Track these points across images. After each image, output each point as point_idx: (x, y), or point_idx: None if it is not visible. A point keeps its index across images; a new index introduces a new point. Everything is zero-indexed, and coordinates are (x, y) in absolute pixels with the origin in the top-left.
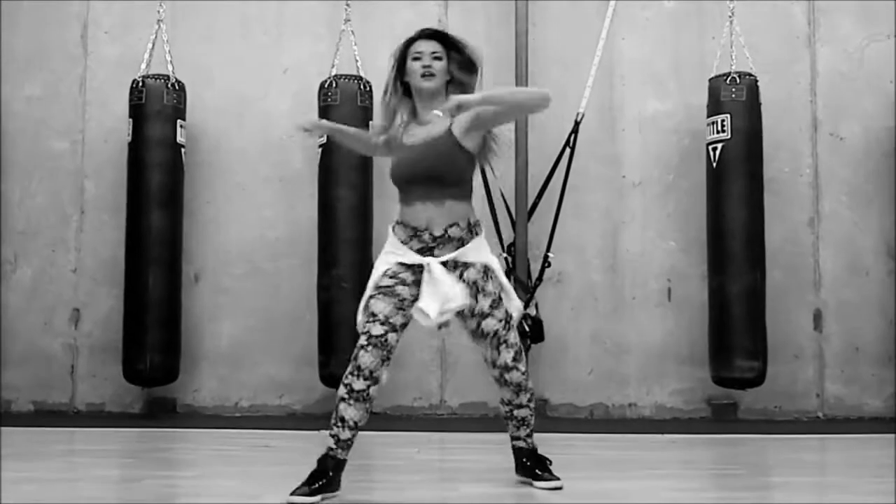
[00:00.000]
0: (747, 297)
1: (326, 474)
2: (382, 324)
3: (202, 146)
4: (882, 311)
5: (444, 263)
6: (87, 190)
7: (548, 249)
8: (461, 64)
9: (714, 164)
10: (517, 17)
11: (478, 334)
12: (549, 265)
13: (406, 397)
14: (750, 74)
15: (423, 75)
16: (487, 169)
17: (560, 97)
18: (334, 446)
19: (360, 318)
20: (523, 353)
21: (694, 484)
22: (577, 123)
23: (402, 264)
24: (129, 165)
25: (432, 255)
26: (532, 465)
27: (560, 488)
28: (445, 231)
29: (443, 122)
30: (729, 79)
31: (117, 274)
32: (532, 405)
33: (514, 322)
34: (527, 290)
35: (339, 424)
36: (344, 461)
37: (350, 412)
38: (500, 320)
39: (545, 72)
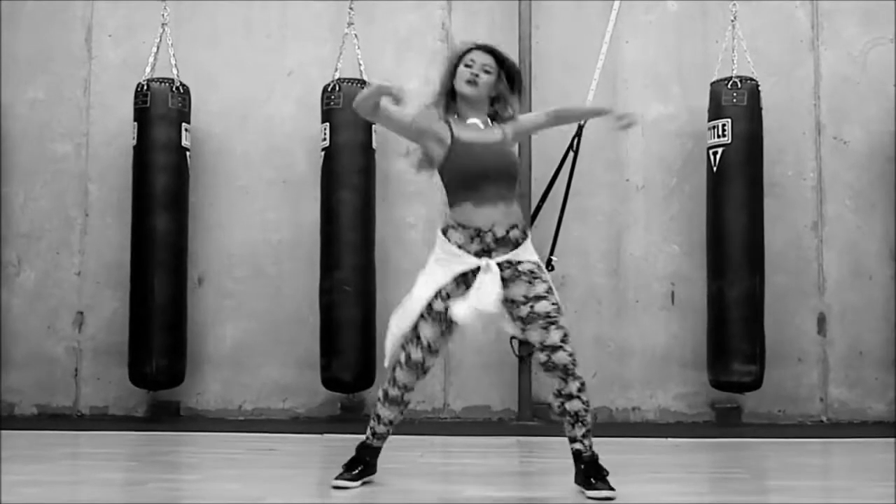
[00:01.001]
0: (746, 302)
1: (364, 461)
2: (425, 350)
3: (206, 149)
4: (885, 314)
5: (499, 264)
6: (91, 193)
7: (551, 253)
8: (509, 83)
9: (714, 169)
10: (520, 20)
11: (529, 318)
12: (553, 269)
13: None
14: (751, 79)
15: (468, 81)
16: None
17: (563, 100)
18: (371, 436)
19: (395, 323)
20: (572, 341)
21: (697, 488)
22: (580, 127)
23: (456, 280)
24: (133, 169)
25: (489, 256)
26: (587, 473)
27: (612, 499)
28: (507, 232)
29: (494, 129)
30: (730, 83)
31: (121, 277)
32: (584, 398)
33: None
34: None
35: (376, 420)
36: (379, 448)
37: (385, 412)
38: (554, 304)
39: (548, 75)
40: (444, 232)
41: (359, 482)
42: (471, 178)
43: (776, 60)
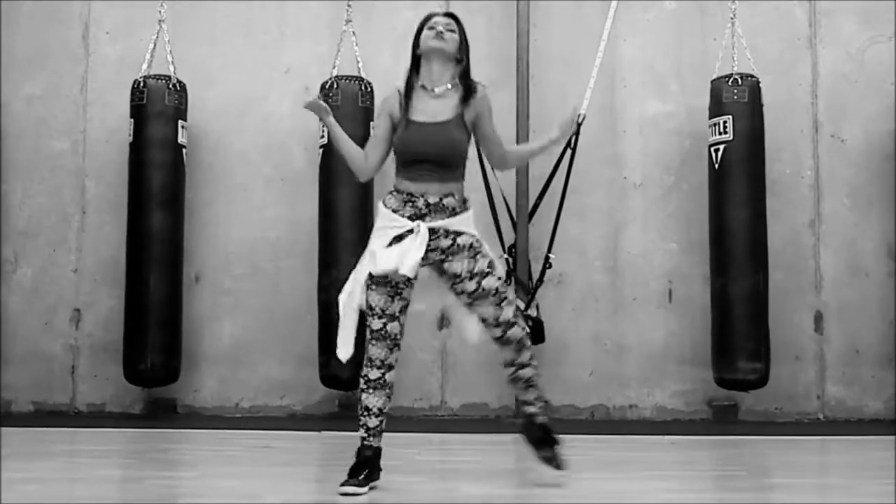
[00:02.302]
0: (750, 299)
1: (368, 464)
2: (380, 317)
3: (203, 147)
4: (882, 312)
5: (436, 231)
6: (88, 190)
7: (549, 250)
8: (467, 48)
9: (716, 166)
10: (519, 18)
11: (478, 294)
12: (550, 266)
13: (407, 398)
14: (752, 76)
15: (434, 37)
16: (488, 169)
17: (561, 98)
18: (366, 435)
19: (344, 294)
20: (521, 312)
21: (694, 485)
22: (578, 125)
23: (391, 243)
24: (130, 166)
25: (423, 220)
26: (539, 437)
27: (559, 457)
28: (440, 199)
29: (452, 100)
30: (731, 80)
31: (118, 274)
32: (535, 364)
33: (468, 325)
34: (528, 291)
35: (365, 413)
36: (380, 448)
37: (371, 400)
38: (499, 278)
39: (546, 73)
40: (384, 200)
41: (366, 487)
42: (408, 157)
43: (774, 58)
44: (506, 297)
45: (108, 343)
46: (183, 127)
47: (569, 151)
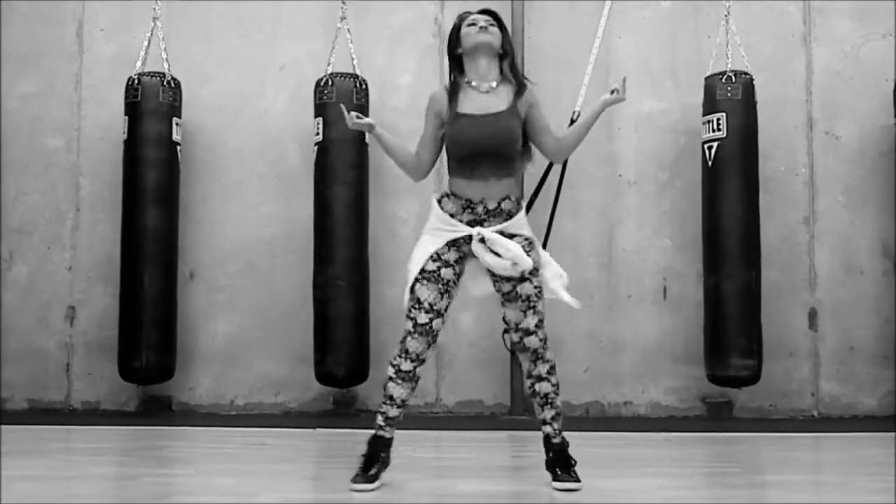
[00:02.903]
0: (743, 296)
1: (378, 457)
2: (427, 312)
3: (198, 144)
4: (877, 310)
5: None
6: (82, 187)
7: (544, 247)
8: (510, 40)
9: (710, 163)
10: (513, 16)
11: (511, 296)
12: None
13: None
14: (746, 73)
15: (478, 31)
16: None
17: (556, 96)
18: (383, 423)
19: (406, 298)
20: (546, 328)
21: (689, 482)
22: (572, 122)
23: (448, 244)
24: (124, 163)
25: (482, 226)
26: (554, 462)
27: (576, 490)
28: (499, 204)
29: (505, 94)
30: (725, 77)
31: (113, 271)
32: (553, 380)
33: (560, 289)
34: None
35: (388, 402)
36: (391, 439)
37: (398, 391)
38: (536, 287)
39: (541, 70)
40: (439, 201)
41: (376, 483)
42: (463, 151)
43: (769, 56)
44: (533, 307)
45: (102, 340)
46: (177, 124)
47: None
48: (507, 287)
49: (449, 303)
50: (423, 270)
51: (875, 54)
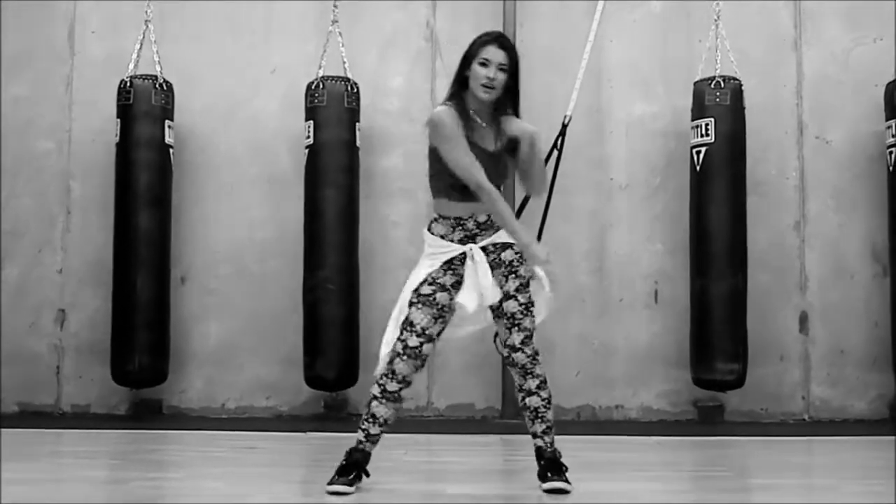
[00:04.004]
0: (729, 300)
1: (357, 466)
2: (419, 336)
3: (190, 147)
4: (867, 313)
5: (484, 248)
6: (73, 190)
7: None
8: (516, 75)
9: (698, 168)
10: (505, 19)
11: (498, 313)
12: None
13: None
14: (734, 78)
15: (484, 85)
16: None
17: (547, 99)
18: (364, 440)
19: (395, 315)
20: (535, 343)
21: (680, 486)
22: (564, 126)
23: (443, 267)
24: (116, 166)
25: (474, 241)
26: (546, 469)
27: (566, 491)
28: (489, 217)
29: (492, 131)
30: (713, 83)
31: (104, 275)
32: (544, 394)
33: (546, 313)
34: None
35: (371, 420)
36: (370, 454)
37: (381, 410)
38: (522, 304)
39: (533, 74)
40: (429, 227)
41: (354, 487)
42: (459, 181)
43: (759, 60)
44: (518, 324)
45: (93, 344)
46: (170, 127)
47: (555, 153)
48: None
49: (442, 328)
50: (418, 294)
51: (865, 58)
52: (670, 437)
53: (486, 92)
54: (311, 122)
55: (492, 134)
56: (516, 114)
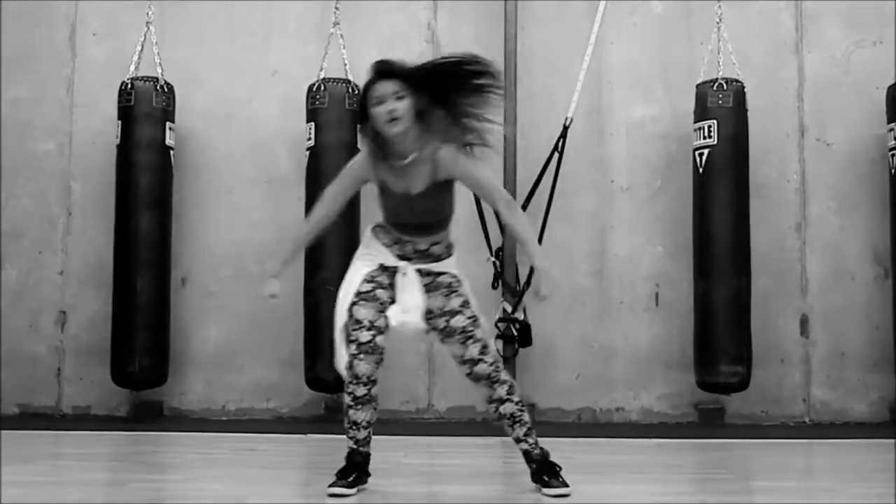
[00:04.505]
0: (732, 303)
1: (357, 468)
2: (369, 329)
3: (190, 148)
4: (868, 316)
5: (419, 270)
6: (74, 192)
7: None
8: (426, 91)
9: (700, 170)
10: (506, 21)
11: (446, 332)
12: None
13: (393, 401)
14: (737, 80)
15: (387, 122)
16: None
17: (548, 101)
18: (355, 446)
19: (339, 320)
20: (493, 349)
21: (681, 488)
22: (565, 128)
23: (379, 267)
24: (117, 168)
25: (409, 262)
26: (539, 471)
27: (567, 495)
28: (429, 248)
29: (428, 166)
30: (716, 85)
31: (104, 276)
32: (515, 398)
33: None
34: (515, 295)
35: (353, 427)
36: (369, 454)
37: (360, 415)
38: (469, 318)
39: (533, 76)
40: (374, 229)
41: (355, 489)
42: (392, 220)
43: (760, 62)
44: (472, 336)
45: (93, 345)
46: (170, 129)
47: (556, 155)
48: (440, 323)
49: (388, 323)
50: (358, 293)
51: (866, 61)
52: (671, 439)
53: (395, 125)
54: (312, 123)
55: (417, 172)
56: (463, 116)
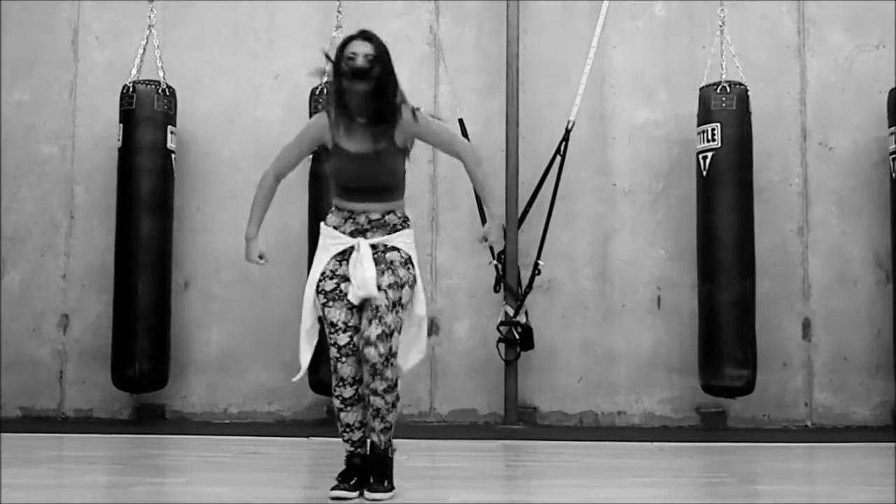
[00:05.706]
0: (737, 306)
1: (358, 470)
2: (345, 331)
3: (192, 152)
4: (870, 320)
5: (374, 246)
6: (76, 195)
7: (538, 257)
8: (388, 64)
9: (704, 173)
10: (509, 25)
11: (364, 304)
12: (539, 273)
13: None
14: (740, 84)
15: (357, 74)
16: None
17: (551, 105)
18: (352, 448)
19: (305, 320)
20: (394, 342)
21: (683, 492)
22: (567, 131)
23: (337, 258)
24: (119, 171)
25: (364, 237)
26: (372, 464)
27: (387, 501)
28: (383, 216)
29: (374, 133)
30: (719, 88)
31: (106, 280)
32: (389, 399)
33: (413, 363)
34: (517, 298)
35: (348, 430)
36: (367, 455)
37: (350, 417)
38: (389, 300)
39: (536, 80)
40: (325, 218)
41: (356, 493)
42: (342, 184)
43: (762, 66)
44: (380, 318)
45: (95, 349)
46: (172, 132)
47: (558, 158)
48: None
49: (359, 316)
50: (324, 293)
51: (868, 65)
52: (673, 443)
53: (363, 81)
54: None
55: (376, 130)
56: (398, 101)
